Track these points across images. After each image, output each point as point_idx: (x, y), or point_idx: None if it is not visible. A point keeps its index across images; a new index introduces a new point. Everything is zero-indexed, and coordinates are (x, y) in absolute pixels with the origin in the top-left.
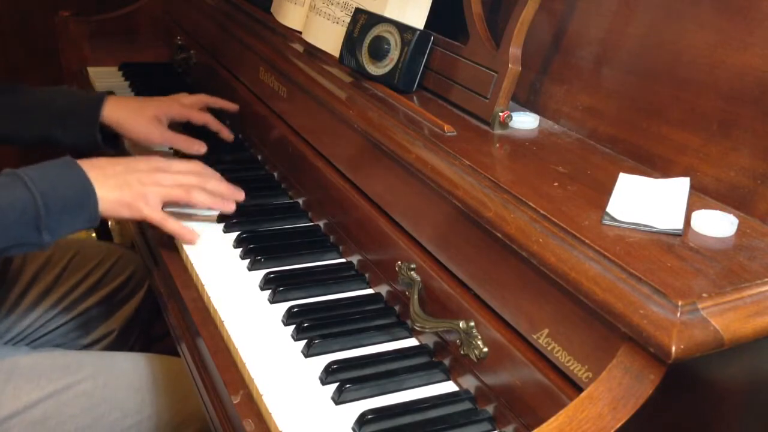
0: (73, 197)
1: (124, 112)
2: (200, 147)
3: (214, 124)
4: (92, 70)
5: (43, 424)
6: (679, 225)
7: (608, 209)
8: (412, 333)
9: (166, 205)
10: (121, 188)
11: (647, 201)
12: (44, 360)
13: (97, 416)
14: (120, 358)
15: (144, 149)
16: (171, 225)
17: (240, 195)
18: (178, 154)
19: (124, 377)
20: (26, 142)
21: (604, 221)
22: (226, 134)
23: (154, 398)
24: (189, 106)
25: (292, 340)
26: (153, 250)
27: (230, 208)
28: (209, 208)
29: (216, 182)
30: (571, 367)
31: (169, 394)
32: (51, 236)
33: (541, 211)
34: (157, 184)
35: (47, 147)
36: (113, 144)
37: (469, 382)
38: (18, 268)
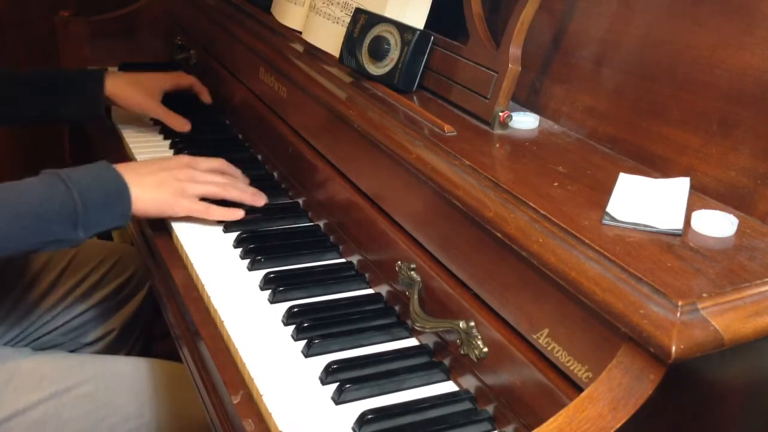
0: (108, 196)
1: (121, 85)
2: (184, 125)
3: (197, 85)
4: None
5: (43, 426)
6: (679, 225)
7: (608, 209)
8: (412, 333)
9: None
10: (158, 186)
11: (647, 201)
12: (45, 362)
13: (97, 419)
14: (121, 361)
15: (135, 119)
16: (216, 212)
17: (261, 199)
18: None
19: (124, 381)
20: (28, 121)
21: (604, 221)
22: (206, 97)
23: (154, 403)
24: (174, 76)
25: (292, 340)
26: (152, 249)
27: (260, 202)
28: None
29: (242, 184)
30: (571, 367)
31: (169, 399)
32: (85, 233)
33: (541, 211)
34: (192, 180)
35: (47, 123)
36: (107, 115)
37: (469, 382)
38: (19, 268)
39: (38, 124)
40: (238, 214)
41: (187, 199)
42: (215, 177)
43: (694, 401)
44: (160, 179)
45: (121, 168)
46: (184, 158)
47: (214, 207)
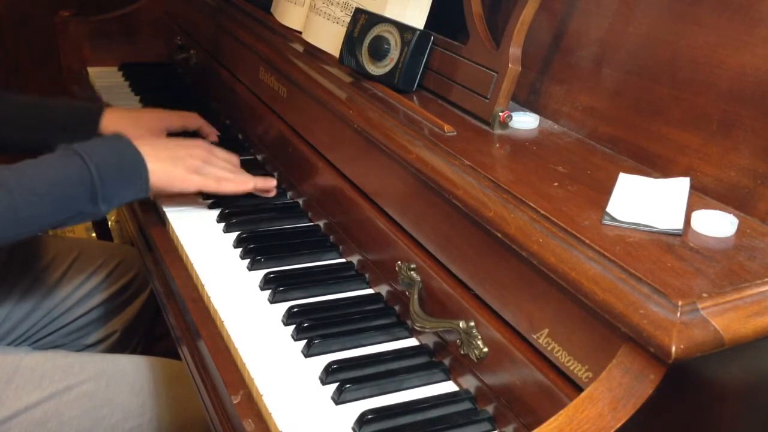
0: (126, 169)
1: (121, 122)
2: None
3: (206, 127)
4: (92, 70)
5: (44, 425)
6: (679, 225)
7: (608, 209)
8: (412, 333)
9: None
10: (173, 161)
11: (647, 201)
12: (46, 361)
13: (98, 418)
14: (122, 360)
15: None
16: (228, 185)
17: (271, 182)
18: None
19: (125, 379)
20: (17, 148)
21: (604, 221)
22: (214, 138)
23: (155, 401)
24: (183, 116)
25: (292, 340)
26: (152, 249)
27: (270, 191)
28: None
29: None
30: (571, 367)
31: (170, 397)
32: (107, 206)
33: (541, 211)
34: (207, 161)
35: (33, 152)
36: None
37: (469, 382)
38: (21, 269)
39: (22, 152)
40: (248, 185)
41: (200, 175)
42: (228, 165)
43: (694, 401)
44: (175, 155)
45: (138, 142)
46: (202, 143)
47: (225, 181)
